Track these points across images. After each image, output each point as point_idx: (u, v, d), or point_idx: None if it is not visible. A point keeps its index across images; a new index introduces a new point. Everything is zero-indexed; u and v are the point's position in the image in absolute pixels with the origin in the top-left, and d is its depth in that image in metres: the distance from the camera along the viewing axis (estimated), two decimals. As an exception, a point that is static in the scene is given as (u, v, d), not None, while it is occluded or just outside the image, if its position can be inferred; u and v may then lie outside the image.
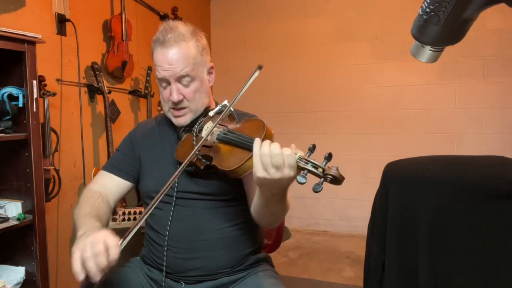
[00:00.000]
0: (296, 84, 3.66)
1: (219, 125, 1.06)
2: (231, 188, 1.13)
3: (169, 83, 1.14)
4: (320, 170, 0.86)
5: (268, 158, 0.86)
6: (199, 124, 1.14)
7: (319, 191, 0.85)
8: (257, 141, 0.90)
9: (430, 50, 0.75)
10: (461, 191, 1.36)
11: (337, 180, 0.86)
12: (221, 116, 1.05)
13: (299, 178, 0.86)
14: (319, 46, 3.56)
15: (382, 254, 1.48)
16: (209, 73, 1.22)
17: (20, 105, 1.58)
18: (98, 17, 2.45)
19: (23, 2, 1.92)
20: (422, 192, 1.42)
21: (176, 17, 3.13)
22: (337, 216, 3.55)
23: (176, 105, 1.15)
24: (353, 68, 3.47)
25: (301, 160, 0.87)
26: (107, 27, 2.47)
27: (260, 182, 0.90)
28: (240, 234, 1.17)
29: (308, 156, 0.89)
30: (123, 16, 2.50)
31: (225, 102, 1.10)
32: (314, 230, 3.63)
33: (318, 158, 0.91)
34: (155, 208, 1.19)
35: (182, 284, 1.14)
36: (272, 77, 3.73)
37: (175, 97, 1.13)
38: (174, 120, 1.18)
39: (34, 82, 1.59)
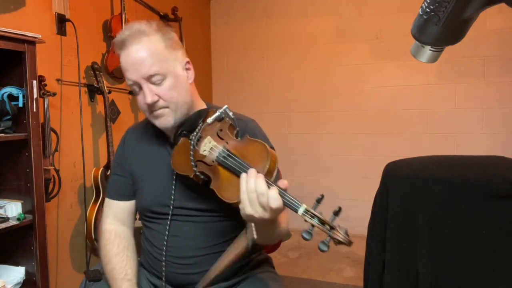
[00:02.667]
0: (296, 84, 3.66)
1: (219, 139, 0.98)
2: (228, 205, 1.08)
3: (140, 87, 1.05)
4: (327, 227, 0.79)
5: (255, 195, 0.83)
6: (198, 132, 1.03)
7: (326, 251, 0.78)
8: (243, 177, 0.86)
9: (430, 50, 0.75)
10: (461, 191, 1.36)
11: (344, 244, 0.80)
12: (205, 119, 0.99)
13: (304, 234, 0.79)
14: (319, 46, 3.56)
15: (382, 254, 1.48)
16: (186, 69, 1.13)
17: (20, 105, 1.58)
18: (98, 17, 2.45)
19: (23, 2, 1.92)
20: (422, 192, 1.42)
21: (176, 17, 3.13)
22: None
23: (154, 107, 1.06)
24: (353, 68, 3.47)
25: (306, 214, 0.80)
26: (107, 27, 2.47)
27: (248, 219, 0.88)
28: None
29: (315, 208, 0.82)
30: (123, 16, 2.50)
31: (225, 107, 1.01)
32: (314, 230, 3.63)
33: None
34: (152, 222, 1.16)
35: None
36: (272, 77, 3.73)
37: (149, 99, 1.03)
38: (156, 123, 1.09)
39: (34, 82, 1.59)
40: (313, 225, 0.80)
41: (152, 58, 1.03)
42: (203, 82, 3.84)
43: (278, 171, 1.15)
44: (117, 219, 1.21)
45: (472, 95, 3.16)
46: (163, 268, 1.11)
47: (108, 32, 2.47)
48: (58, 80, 2.15)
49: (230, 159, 0.92)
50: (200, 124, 1.04)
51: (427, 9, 0.66)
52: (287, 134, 3.70)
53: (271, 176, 0.89)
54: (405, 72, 3.31)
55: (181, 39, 3.13)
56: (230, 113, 1.01)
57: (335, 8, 3.50)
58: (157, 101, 1.05)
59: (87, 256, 2.24)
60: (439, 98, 3.25)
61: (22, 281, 1.64)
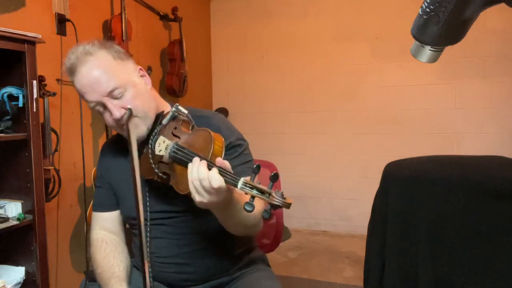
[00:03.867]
0: (296, 84, 3.66)
1: (173, 136, 1.00)
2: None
3: (103, 106, 1.04)
4: (267, 195, 0.81)
5: (198, 182, 0.85)
6: (154, 135, 1.05)
7: (268, 218, 0.80)
8: (189, 168, 0.87)
9: (430, 50, 0.75)
10: (461, 191, 1.36)
11: (282, 208, 0.81)
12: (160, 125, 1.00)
13: (246, 206, 0.81)
14: (319, 46, 3.56)
15: (382, 254, 1.49)
16: (141, 76, 1.13)
17: (20, 105, 1.57)
18: (98, 17, 2.45)
19: (23, 2, 1.92)
20: (422, 192, 1.42)
21: (176, 17, 3.13)
22: (337, 216, 3.55)
23: (123, 121, 1.04)
24: (353, 68, 3.47)
25: (245, 186, 0.81)
26: (107, 27, 2.47)
27: (202, 206, 0.89)
28: (222, 240, 1.13)
29: (253, 179, 0.82)
30: (123, 16, 2.50)
31: (176, 105, 1.03)
32: (314, 230, 3.63)
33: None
34: (135, 228, 1.16)
35: None
36: (272, 77, 3.73)
37: (117, 114, 1.02)
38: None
39: (34, 82, 1.59)
40: (253, 196, 0.81)
41: (106, 74, 1.03)
42: (203, 82, 3.84)
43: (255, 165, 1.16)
44: (103, 229, 1.21)
45: (472, 95, 3.16)
46: (150, 269, 1.12)
47: (108, 32, 2.47)
48: (58, 80, 2.15)
49: (179, 152, 0.94)
50: (157, 127, 1.06)
51: (427, 9, 0.67)
52: (287, 134, 3.70)
53: (219, 158, 0.91)
54: (405, 72, 3.31)
55: (181, 39, 3.13)
56: (182, 110, 1.02)
57: (335, 8, 3.50)
58: (124, 114, 1.04)
59: (87, 256, 2.24)
60: (439, 98, 3.25)
61: (22, 281, 1.63)
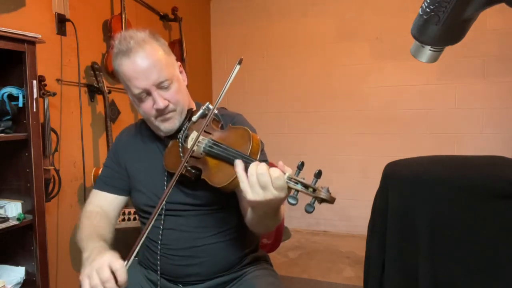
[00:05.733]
0: (296, 84, 3.66)
1: (204, 133, 1.03)
2: (221, 198, 1.10)
3: (149, 94, 1.07)
4: (311, 190, 0.82)
5: (258, 187, 0.83)
6: (184, 131, 1.10)
7: (312, 212, 0.81)
8: (239, 166, 0.86)
9: (430, 50, 0.75)
10: (461, 191, 1.36)
11: (328, 202, 0.83)
12: (205, 122, 1.01)
13: (289, 199, 0.83)
14: (319, 46, 3.56)
15: (382, 254, 1.48)
16: (180, 72, 1.17)
17: (20, 105, 1.58)
18: (98, 17, 2.45)
19: (23, 2, 1.92)
20: (422, 192, 1.42)
21: (176, 17, 3.13)
22: (337, 216, 3.55)
23: (163, 112, 1.09)
24: (353, 68, 3.47)
25: (290, 180, 0.83)
26: (107, 27, 2.47)
27: (252, 204, 0.90)
28: (234, 237, 1.16)
29: (297, 175, 0.85)
30: (123, 16, 2.50)
31: (207, 104, 1.05)
32: (314, 230, 3.63)
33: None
34: (148, 218, 1.18)
35: (180, 287, 1.14)
36: (272, 77, 3.73)
37: (161, 104, 1.06)
38: (162, 127, 1.12)
39: (34, 82, 1.59)
40: (297, 190, 0.83)
41: (160, 64, 1.06)
42: (203, 82, 3.84)
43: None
44: (100, 207, 1.20)
45: (472, 95, 3.16)
46: (158, 262, 1.13)
47: (108, 32, 2.47)
48: (58, 80, 2.15)
49: (216, 147, 0.97)
50: (186, 124, 1.11)
51: (427, 9, 0.67)
52: (287, 134, 3.70)
53: (256, 156, 0.93)
54: (405, 72, 3.31)
55: (181, 39, 3.13)
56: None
57: (335, 8, 3.50)
58: (167, 106, 1.08)
59: (87, 256, 2.24)
60: (439, 98, 3.25)
61: (22, 281, 1.64)
